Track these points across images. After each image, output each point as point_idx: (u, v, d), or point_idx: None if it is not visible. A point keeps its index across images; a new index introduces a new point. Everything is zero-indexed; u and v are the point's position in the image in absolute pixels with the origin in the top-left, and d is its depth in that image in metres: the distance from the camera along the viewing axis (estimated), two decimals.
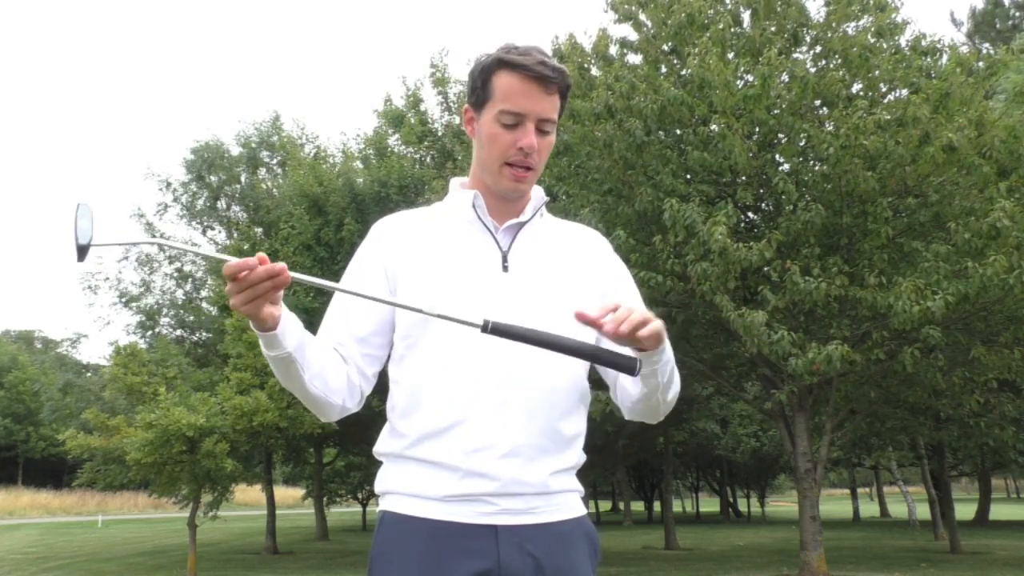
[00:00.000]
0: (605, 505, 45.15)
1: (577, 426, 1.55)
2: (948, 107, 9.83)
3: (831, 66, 10.75)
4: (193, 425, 11.15)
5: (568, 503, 1.53)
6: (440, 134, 19.28)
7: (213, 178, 22.62)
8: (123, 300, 21.21)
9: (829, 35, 11.07)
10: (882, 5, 11.05)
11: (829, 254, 10.01)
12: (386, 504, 1.52)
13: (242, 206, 22.51)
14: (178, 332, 21.71)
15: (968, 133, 9.16)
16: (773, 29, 10.74)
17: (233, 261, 1.24)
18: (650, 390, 1.48)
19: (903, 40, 11.27)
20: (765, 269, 10.02)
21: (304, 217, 16.65)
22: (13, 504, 38.12)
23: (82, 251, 1.24)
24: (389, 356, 1.59)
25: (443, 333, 1.47)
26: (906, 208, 10.40)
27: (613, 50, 12.38)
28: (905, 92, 10.34)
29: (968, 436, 15.15)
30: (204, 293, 22.00)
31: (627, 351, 1.38)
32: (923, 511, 25.58)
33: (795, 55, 11.16)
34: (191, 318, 21.48)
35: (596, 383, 1.70)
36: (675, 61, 11.65)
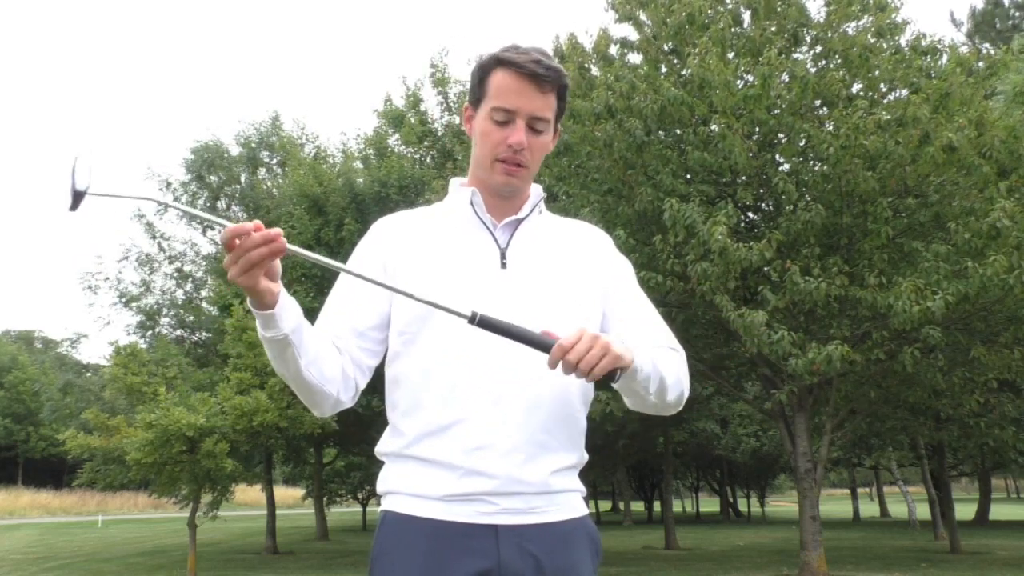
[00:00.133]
0: (605, 505, 45.14)
1: (578, 424, 1.55)
2: (948, 107, 9.83)
3: (831, 66, 10.75)
4: (193, 425, 11.14)
5: (570, 503, 1.52)
6: (440, 134, 19.30)
7: (213, 178, 22.62)
8: (123, 300, 21.20)
9: (829, 35, 11.07)
10: (882, 5, 11.05)
11: (829, 254, 10.01)
12: (388, 504, 1.52)
13: (242, 206, 22.49)
14: (178, 332, 21.70)
15: (968, 133, 9.16)
16: (773, 29, 10.74)
17: (230, 227, 1.24)
18: (637, 399, 1.50)
19: (903, 40, 11.28)
20: (765, 269, 10.02)
21: (304, 217, 16.65)
22: (13, 504, 38.12)
23: (77, 198, 1.21)
24: (386, 354, 1.59)
25: (440, 329, 1.46)
26: (906, 208, 10.40)
27: (613, 50, 12.38)
28: (905, 92, 10.34)
29: (968, 436, 15.15)
30: (204, 293, 22.00)
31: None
32: (923, 511, 25.59)
33: (795, 55, 11.17)
34: (191, 318, 21.47)
35: (596, 382, 1.70)
36: (675, 61, 11.65)
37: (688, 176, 10.94)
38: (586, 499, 1.59)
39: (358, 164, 19.36)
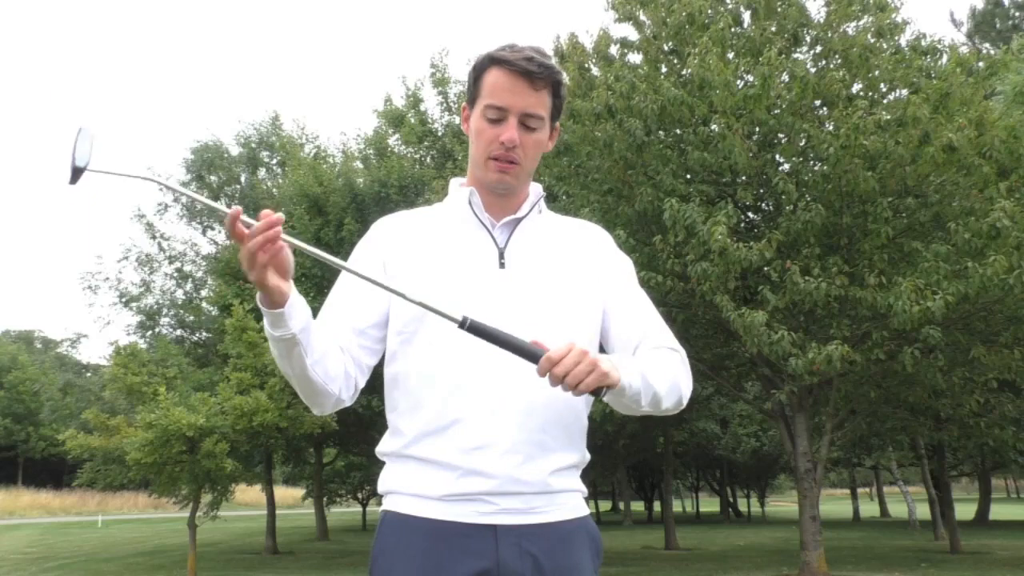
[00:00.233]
0: (605, 505, 45.14)
1: (579, 423, 1.54)
2: (948, 107, 9.83)
3: (831, 66, 10.75)
4: (193, 425, 11.15)
5: (570, 503, 1.52)
6: (440, 134, 19.32)
7: (213, 178, 22.66)
8: (123, 300, 21.25)
9: (829, 35, 11.07)
10: (882, 5, 11.05)
11: (829, 254, 10.01)
12: (388, 504, 1.52)
13: (242, 206, 22.50)
14: (178, 332, 21.72)
15: (968, 133, 9.17)
16: (773, 29, 10.74)
17: (230, 212, 1.26)
18: (627, 409, 1.49)
19: (903, 40, 11.27)
20: (765, 269, 10.02)
21: (304, 217, 16.66)
22: (13, 504, 38.10)
23: (76, 173, 1.21)
24: (384, 353, 1.58)
25: (438, 329, 1.46)
26: (906, 208, 10.40)
27: (613, 50, 12.38)
28: (905, 92, 10.35)
29: (968, 436, 15.14)
30: (204, 293, 22.01)
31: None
32: (923, 511, 25.58)
33: (795, 55, 11.16)
34: (191, 318, 21.49)
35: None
36: (675, 61, 11.65)
37: (688, 176, 10.94)
38: (586, 499, 1.58)
39: (358, 164, 19.37)
